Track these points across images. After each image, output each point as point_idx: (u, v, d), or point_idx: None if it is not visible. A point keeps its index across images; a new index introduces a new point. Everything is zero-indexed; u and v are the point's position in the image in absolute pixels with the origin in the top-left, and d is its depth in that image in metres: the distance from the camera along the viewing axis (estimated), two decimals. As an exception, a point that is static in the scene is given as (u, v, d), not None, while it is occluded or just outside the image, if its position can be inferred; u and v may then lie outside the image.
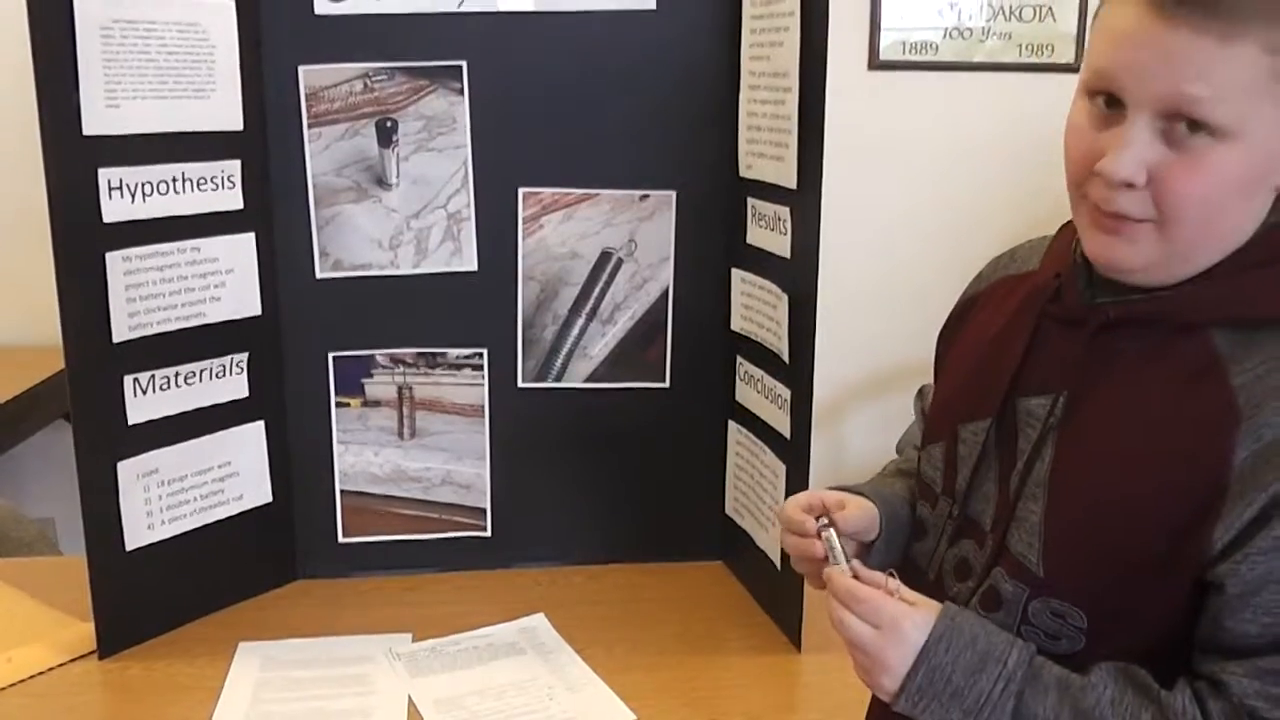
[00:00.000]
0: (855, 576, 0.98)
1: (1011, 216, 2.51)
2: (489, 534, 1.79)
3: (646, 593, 1.70)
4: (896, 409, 2.53)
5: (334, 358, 1.69)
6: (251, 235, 1.60)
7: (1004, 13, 2.76)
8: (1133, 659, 0.91)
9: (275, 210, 1.62)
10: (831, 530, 1.04)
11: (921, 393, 1.29)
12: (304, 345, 1.67)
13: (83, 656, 1.53)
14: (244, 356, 1.63)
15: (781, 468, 1.57)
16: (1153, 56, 0.84)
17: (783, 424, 1.56)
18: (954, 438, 1.03)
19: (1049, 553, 0.92)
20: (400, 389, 1.72)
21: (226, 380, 1.62)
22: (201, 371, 1.60)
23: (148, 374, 1.55)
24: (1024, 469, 0.95)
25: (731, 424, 1.74)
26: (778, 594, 1.58)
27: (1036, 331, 0.98)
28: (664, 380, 1.75)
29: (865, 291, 2.78)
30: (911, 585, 1.07)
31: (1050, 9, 2.75)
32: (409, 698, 1.45)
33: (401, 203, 1.65)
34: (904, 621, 0.92)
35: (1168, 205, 0.87)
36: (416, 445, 1.75)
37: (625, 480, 1.78)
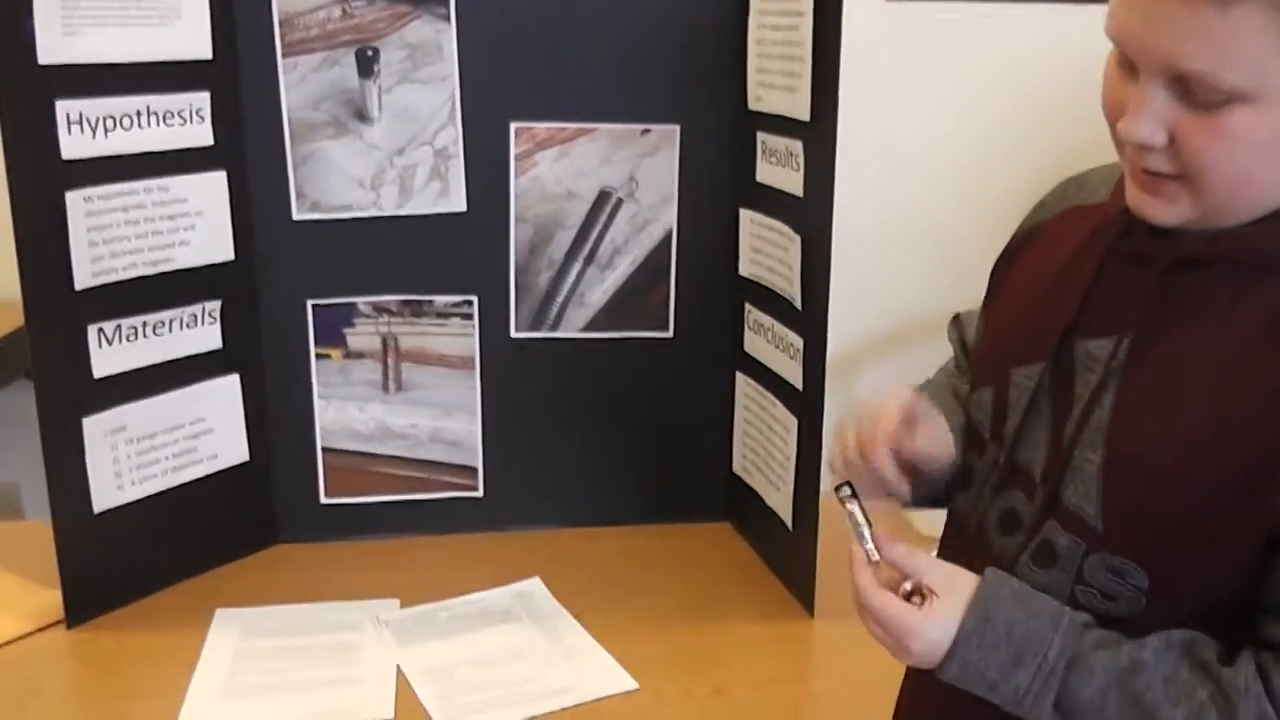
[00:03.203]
0: (877, 557, 0.97)
1: (1039, 155, 2.45)
2: (481, 494, 1.78)
3: (649, 556, 1.70)
4: (917, 362, 2.38)
5: (313, 306, 1.68)
6: (223, 174, 1.57)
7: (1030, -60, 2.73)
8: (1197, 622, 0.89)
9: (248, 147, 1.59)
10: (855, 502, 1.00)
11: (958, 321, 1.24)
12: (280, 292, 1.66)
13: (50, 626, 1.52)
14: (216, 305, 1.61)
15: (793, 421, 1.56)
16: (1150, 28, 0.83)
17: (794, 375, 1.55)
18: (1005, 381, 1.02)
19: (1108, 505, 0.91)
20: (384, 339, 1.71)
21: (198, 330, 1.60)
22: (171, 321, 1.58)
23: (113, 323, 1.52)
24: (1081, 416, 0.94)
25: (739, 375, 1.74)
26: (789, 556, 1.58)
27: (1101, 268, 0.96)
28: (667, 329, 1.74)
29: (883, 234, 2.74)
30: (952, 541, 1.07)
31: (1079, -65, 2.70)
32: (397, 667, 1.45)
33: (384, 139, 1.63)
34: (911, 642, 0.92)
35: (1190, 166, 0.86)
36: (402, 400, 1.73)
37: (626, 436, 1.77)
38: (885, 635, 0.94)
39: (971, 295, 1.18)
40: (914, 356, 2.45)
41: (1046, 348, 0.98)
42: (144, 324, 1.55)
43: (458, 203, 1.66)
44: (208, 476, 1.65)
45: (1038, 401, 0.99)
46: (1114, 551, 0.91)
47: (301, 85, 1.60)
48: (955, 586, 0.93)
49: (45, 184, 1.43)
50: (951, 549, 1.08)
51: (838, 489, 1.02)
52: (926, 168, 2.75)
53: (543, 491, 1.79)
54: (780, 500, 1.63)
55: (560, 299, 1.74)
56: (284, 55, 1.59)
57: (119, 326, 1.53)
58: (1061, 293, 0.99)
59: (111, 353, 1.52)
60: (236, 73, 1.57)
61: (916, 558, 0.96)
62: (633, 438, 1.78)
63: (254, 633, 1.51)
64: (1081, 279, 0.98)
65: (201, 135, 1.54)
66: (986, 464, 1.04)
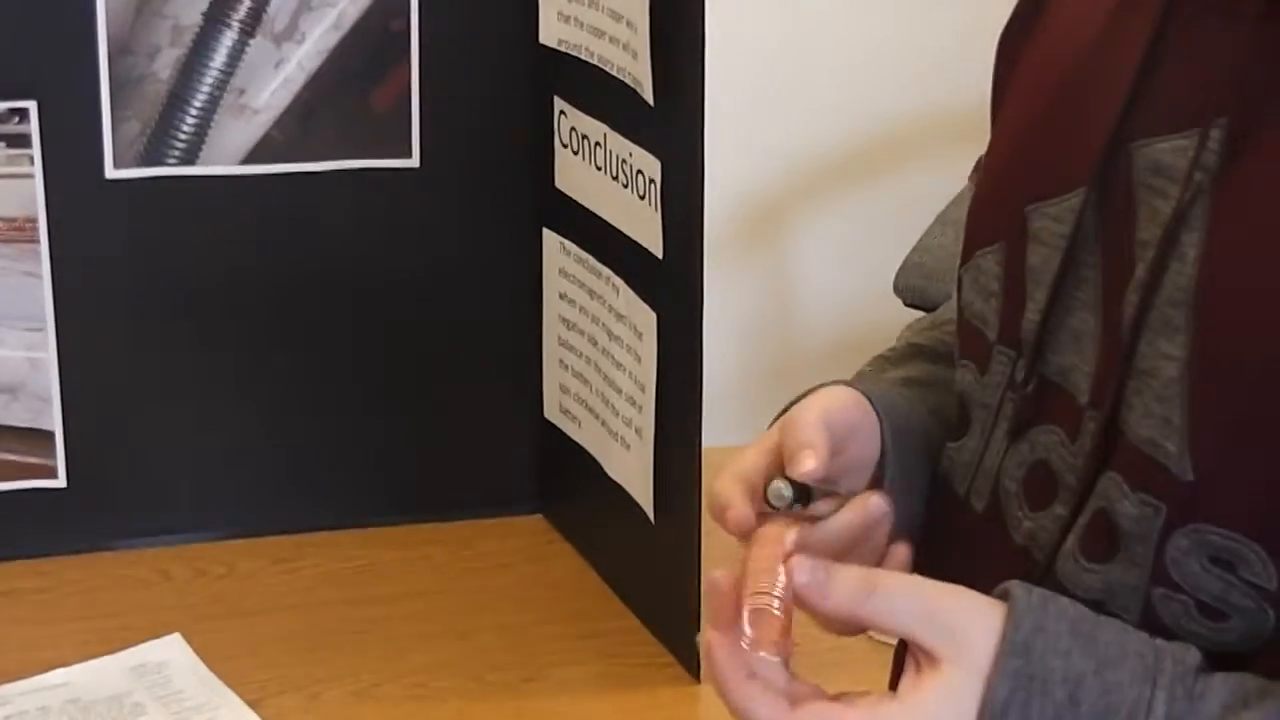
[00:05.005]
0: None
1: None
2: (62, 483, 1.42)
3: (394, 583, 1.39)
4: (890, 204, 2.18)
5: None
6: None
7: None
8: None
9: None
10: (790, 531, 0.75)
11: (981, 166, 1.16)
12: None
13: None
14: None
15: (650, 318, 1.26)
16: None
17: (649, 228, 1.25)
18: (1020, 232, 0.84)
19: (1200, 435, 0.71)
20: None
21: None
22: None
23: None
24: (1149, 275, 0.75)
25: (548, 235, 1.43)
26: (651, 572, 1.29)
27: (1167, 21, 0.78)
28: (409, 154, 1.43)
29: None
30: (948, 528, 0.90)
31: None
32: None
33: None
34: None
35: None
36: (-109, 308, 1.46)
37: (338, 361, 1.45)
38: None
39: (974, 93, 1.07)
40: (884, 197, 2.35)
41: (1084, 162, 0.80)
42: None
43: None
44: None
45: (1076, 259, 0.80)
46: (1213, 519, 0.71)
47: None
48: (961, 635, 0.71)
49: None
50: (939, 552, 0.88)
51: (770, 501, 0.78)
52: None
53: (181, 473, 1.43)
54: (631, 468, 1.32)
55: (198, 104, 1.40)
56: None
57: None
58: (1105, 69, 0.82)
59: None
60: None
61: (885, 593, 0.72)
62: (357, 364, 1.45)
63: None
64: (1135, 41, 0.80)
65: None
66: (993, 386, 0.85)
